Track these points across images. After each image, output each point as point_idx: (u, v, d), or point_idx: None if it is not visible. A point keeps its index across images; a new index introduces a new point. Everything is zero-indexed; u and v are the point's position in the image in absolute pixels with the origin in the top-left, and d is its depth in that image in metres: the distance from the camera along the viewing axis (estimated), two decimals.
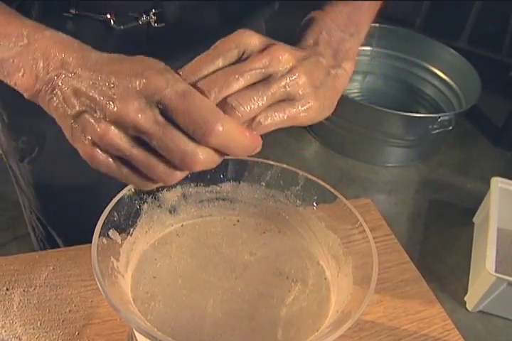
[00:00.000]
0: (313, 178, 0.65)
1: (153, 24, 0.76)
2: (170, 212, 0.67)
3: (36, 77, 0.51)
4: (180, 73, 0.50)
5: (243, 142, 0.49)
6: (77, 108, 0.48)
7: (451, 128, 2.23)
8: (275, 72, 0.51)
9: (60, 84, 0.49)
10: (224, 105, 0.48)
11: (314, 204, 0.66)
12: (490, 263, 1.71)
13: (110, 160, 0.49)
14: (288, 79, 0.51)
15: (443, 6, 2.92)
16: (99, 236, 0.55)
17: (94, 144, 0.49)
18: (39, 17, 0.70)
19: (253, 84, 0.50)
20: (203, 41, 0.55)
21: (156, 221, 0.66)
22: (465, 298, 1.90)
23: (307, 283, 0.64)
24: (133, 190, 0.60)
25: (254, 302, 0.61)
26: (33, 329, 0.69)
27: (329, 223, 0.65)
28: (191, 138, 0.47)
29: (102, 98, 0.47)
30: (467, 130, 2.67)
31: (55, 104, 0.50)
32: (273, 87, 0.50)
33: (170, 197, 0.66)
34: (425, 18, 3.00)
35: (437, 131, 2.24)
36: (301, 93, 0.52)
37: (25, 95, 0.52)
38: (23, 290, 0.73)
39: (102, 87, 0.47)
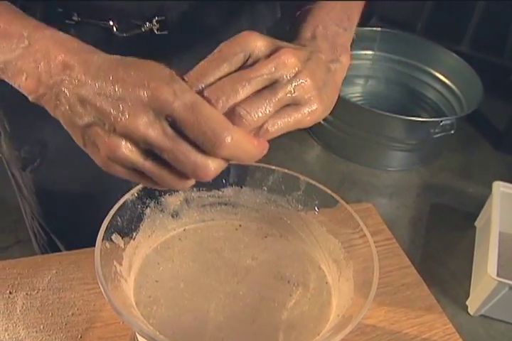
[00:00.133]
0: (315, 183, 0.66)
1: (155, 32, 0.76)
2: (172, 216, 0.67)
3: (39, 80, 0.50)
4: (186, 79, 0.49)
5: (251, 150, 0.49)
6: (86, 118, 0.48)
7: (452, 132, 2.23)
8: (281, 77, 0.50)
9: (64, 90, 0.49)
10: (232, 114, 0.48)
11: (316, 208, 0.67)
12: (492, 268, 1.70)
13: (124, 170, 0.50)
14: (294, 84, 0.50)
15: (445, 10, 2.92)
16: (102, 241, 0.55)
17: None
18: None
19: (259, 91, 0.50)
20: (206, 49, 0.55)
21: (158, 225, 0.66)
22: (467, 302, 1.90)
23: (308, 287, 0.64)
24: (136, 194, 0.61)
25: (255, 306, 0.61)
26: (36, 332, 0.69)
27: (330, 227, 0.66)
28: (201, 149, 0.47)
29: (109, 110, 0.46)
30: (469, 134, 2.67)
31: (61, 110, 0.50)
32: (279, 93, 0.50)
33: (172, 201, 0.66)
34: (427, 22, 3.00)
35: (439, 135, 2.24)
36: (306, 97, 0.51)
37: (30, 98, 0.52)
38: (26, 294, 0.73)
39: (109, 97, 0.47)
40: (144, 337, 0.50)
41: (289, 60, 0.50)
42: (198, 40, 0.67)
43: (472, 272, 2.00)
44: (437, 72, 2.68)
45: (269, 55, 0.51)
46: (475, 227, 2.18)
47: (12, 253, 1.92)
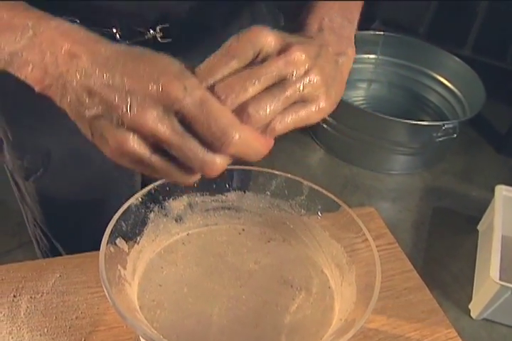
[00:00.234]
0: (318, 188, 0.66)
1: (159, 39, 0.76)
2: (176, 220, 0.67)
3: (45, 71, 0.50)
4: (196, 72, 0.49)
5: (258, 148, 0.49)
6: (93, 110, 0.48)
7: (455, 136, 2.23)
8: (290, 75, 0.50)
9: (71, 80, 0.48)
10: (240, 112, 0.48)
11: (319, 213, 0.67)
12: (494, 271, 1.70)
13: (132, 162, 0.50)
14: (303, 82, 0.50)
15: (447, 14, 2.92)
16: (106, 245, 0.56)
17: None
18: None
19: (268, 88, 0.49)
20: (208, 50, 0.54)
21: (162, 230, 0.66)
22: (469, 306, 1.90)
23: (311, 292, 0.64)
24: (140, 199, 0.61)
25: (258, 310, 0.61)
26: (40, 335, 0.69)
27: (333, 232, 0.66)
28: (208, 145, 0.48)
29: (117, 103, 0.46)
30: (471, 138, 2.67)
31: (68, 100, 0.49)
32: (288, 91, 0.49)
33: (176, 206, 0.66)
34: (429, 26, 3.00)
35: (442, 138, 2.24)
36: (314, 94, 0.51)
37: (36, 89, 0.51)
38: (30, 297, 0.73)
39: (117, 90, 0.47)
40: None
41: (298, 57, 0.50)
42: (202, 48, 0.66)
43: (475, 276, 2.00)
44: (440, 75, 2.68)
45: (279, 52, 0.50)
46: (477, 231, 2.18)
47: (15, 256, 1.92)
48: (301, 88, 0.50)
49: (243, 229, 0.71)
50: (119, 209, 0.60)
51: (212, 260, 0.67)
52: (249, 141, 0.48)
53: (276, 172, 0.67)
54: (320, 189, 0.66)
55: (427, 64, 2.69)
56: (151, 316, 0.59)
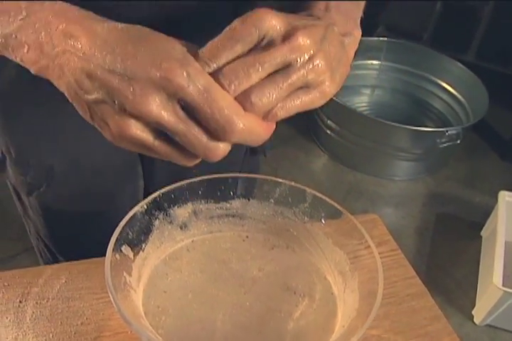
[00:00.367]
0: (321, 195, 0.66)
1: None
2: (181, 228, 0.68)
3: (41, 51, 0.49)
4: (199, 55, 0.48)
5: (260, 134, 0.50)
6: (94, 94, 0.47)
7: (458, 142, 2.23)
8: (294, 60, 0.49)
9: (69, 61, 0.47)
10: (243, 99, 0.48)
11: (322, 220, 0.68)
12: (497, 277, 1.70)
13: (134, 146, 0.49)
14: (307, 67, 0.49)
15: (451, 20, 2.93)
16: (112, 252, 0.56)
17: None
18: None
19: (272, 74, 0.49)
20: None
21: (167, 237, 0.67)
22: (473, 312, 1.90)
23: (314, 298, 0.64)
24: (145, 207, 0.62)
25: (262, 317, 0.62)
26: None
27: (336, 239, 0.66)
28: (211, 132, 0.48)
29: (120, 89, 0.46)
30: (475, 143, 2.67)
31: (65, 82, 0.48)
32: (292, 77, 0.49)
33: (181, 213, 0.67)
34: (433, 32, 3.00)
35: (445, 144, 2.24)
36: (319, 80, 0.51)
37: (32, 70, 0.50)
38: (36, 303, 0.73)
39: (119, 75, 0.46)
40: None
41: (303, 42, 0.49)
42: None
43: (478, 281, 2.00)
44: (443, 81, 2.68)
45: (284, 36, 0.49)
46: (481, 237, 2.18)
47: (20, 260, 1.92)
48: (305, 74, 0.49)
49: (247, 236, 0.71)
50: (122, 220, 0.60)
51: (217, 266, 0.67)
52: (253, 129, 0.48)
53: (280, 180, 0.68)
54: (323, 196, 0.66)
55: (431, 70, 2.69)
56: (156, 322, 0.60)
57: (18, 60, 0.51)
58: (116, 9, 0.59)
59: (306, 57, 0.49)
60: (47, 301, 0.74)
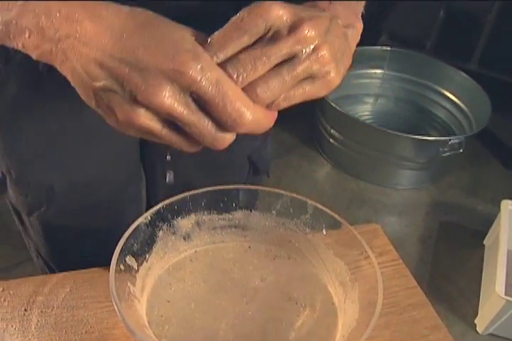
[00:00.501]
0: (322, 207, 0.67)
1: None
2: (184, 238, 0.69)
3: (43, 35, 0.47)
4: (207, 45, 0.48)
5: (264, 124, 0.50)
6: (102, 82, 0.47)
7: (461, 150, 2.24)
8: (300, 52, 0.49)
9: (73, 47, 0.47)
10: (249, 90, 0.48)
11: (323, 231, 0.68)
12: (500, 286, 1.70)
13: (139, 132, 0.50)
14: (312, 58, 0.50)
15: (454, 29, 2.93)
16: (116, 263, 0.57)
17: None
18: None
19: (277, 66, 0.49)
20: None
21: (170, 247, 0.68)
22: (475, 321, 1.89)
23: (315, 308, 0.65)
24: (149, 218, 0.63)
25: (264, 326, 0.63)
26: None
27: (337, 250, 0.67)
28: (221, 124, 0.48)
29: (131, 78, 0.45)
30: (478, 152, 2.67)
31: (69, 67, 0.48)
32: (298, 69, 0.49)
33: (184, 224, 0.68)
34: (436, 41, 3.01)
35: (448, 153, 2.25)
36: (323, 71, 0.51)
37: (34, 56, 0.49)
38: (41, 311, 0.74)
39: (129, 65, 0.46)
40: None
41: (309, 34, 0.49)
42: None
43: (481, 290, 2.00)
44: (446, 90, 2.69)
45: (289, 28, 0.49)
46: (484, 245, 2.18)
47: (25, 268, 1.91)
48: (311, 65, 0.50)
49: (249, 247, 0.72)
50: (126, 231, 0.61)
51: (220, 276, 0.68)
52: (259, 120, 0.49)
53: (282, 191, 0.69)
54: (324, 208, 0.67)
55: (434, 79, 2.70)
56: (160, 331, 0.60)
57: (20, 47, 0.49)
58: None
59: (312, 48, 0.50)
60: (52, 310, 0.74)
